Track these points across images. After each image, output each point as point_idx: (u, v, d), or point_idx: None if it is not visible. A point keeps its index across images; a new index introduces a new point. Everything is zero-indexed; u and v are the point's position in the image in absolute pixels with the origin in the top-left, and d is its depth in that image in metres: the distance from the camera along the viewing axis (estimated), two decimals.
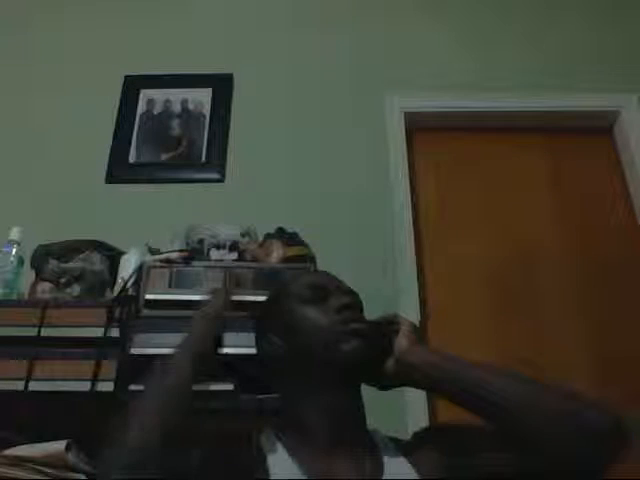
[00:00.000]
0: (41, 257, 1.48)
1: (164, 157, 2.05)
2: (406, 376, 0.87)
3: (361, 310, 0.95)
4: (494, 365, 0.85)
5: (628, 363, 1.76)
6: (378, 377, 0.90)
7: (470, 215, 2.01)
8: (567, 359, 1.76)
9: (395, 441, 0.92)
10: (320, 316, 0.89)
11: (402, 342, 0.88)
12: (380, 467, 0.84)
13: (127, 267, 1.43)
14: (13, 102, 2.16)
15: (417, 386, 0.90)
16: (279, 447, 0.85)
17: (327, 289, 0.92)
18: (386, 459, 0.85)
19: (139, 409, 0.81)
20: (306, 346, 0.88)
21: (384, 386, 0.92)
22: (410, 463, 0.85)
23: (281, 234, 1.58)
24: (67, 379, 1.23)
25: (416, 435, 0.95)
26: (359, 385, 0.92)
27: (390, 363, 0.88)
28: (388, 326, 0.91)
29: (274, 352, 0.91)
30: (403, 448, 0.89)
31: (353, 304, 0.91)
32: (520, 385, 0.81)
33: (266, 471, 0.81)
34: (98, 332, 1.28)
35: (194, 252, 1.44)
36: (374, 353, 0.88)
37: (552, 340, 1.80)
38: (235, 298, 1.22)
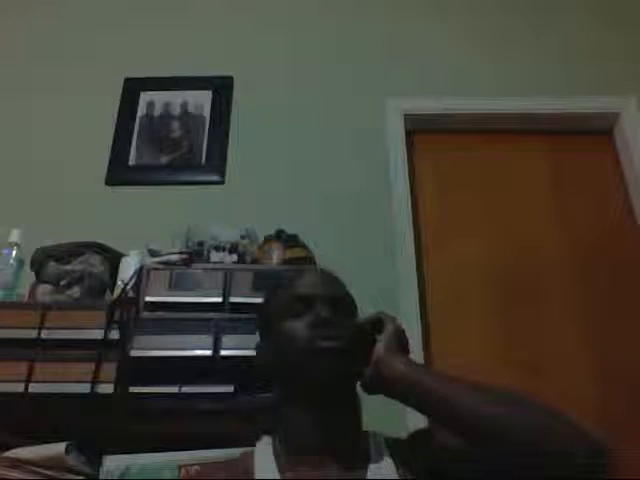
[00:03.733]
0: (41, 259, 1.48)
1: (164, 159, 2.05)
2: (378, 387, 0.86)
3: (350, 314, 0.93)
4: (476, 382, 0.81)
5: (628, 363, 1.75)
6: (362, 382, 0.88)
7: (470, 217, 2.00)
8: (567, 359, 1.76)
9: (392, 442, 0.90)
10: (296, 332, 0.87)
11: (379, 350, 0.86)
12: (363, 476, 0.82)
13: (127, 269, 1.43)
14: (13, 102, 2.16)
15: (389, 397, 0.86)
16: (270, 454, 0.86)
17: (309, 299, 0.90)
18: (372, 467, 0.83)
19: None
20: (284, 361, 0.88)
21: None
22: (398, 470, 0.83)
23: (281, 236, 1.58)
24: (67, 381, 1.24)
25: (412, 436, 0.93)
26: (345, 392, 0.89)
27: (369, 371, 0.86)
28: (372, 327, 0.89)
29: (264, 359, 0.93)
30: (397, 451, 0.87)
31: (331, 317, 0.88)
32: (495, 407, 0.77)
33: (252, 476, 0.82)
34: (98, 334, 1.28)
35: (194, 254, 1.44)
36: (351, 366, 0.86)
37: (552, 340, 1.80)
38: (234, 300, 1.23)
